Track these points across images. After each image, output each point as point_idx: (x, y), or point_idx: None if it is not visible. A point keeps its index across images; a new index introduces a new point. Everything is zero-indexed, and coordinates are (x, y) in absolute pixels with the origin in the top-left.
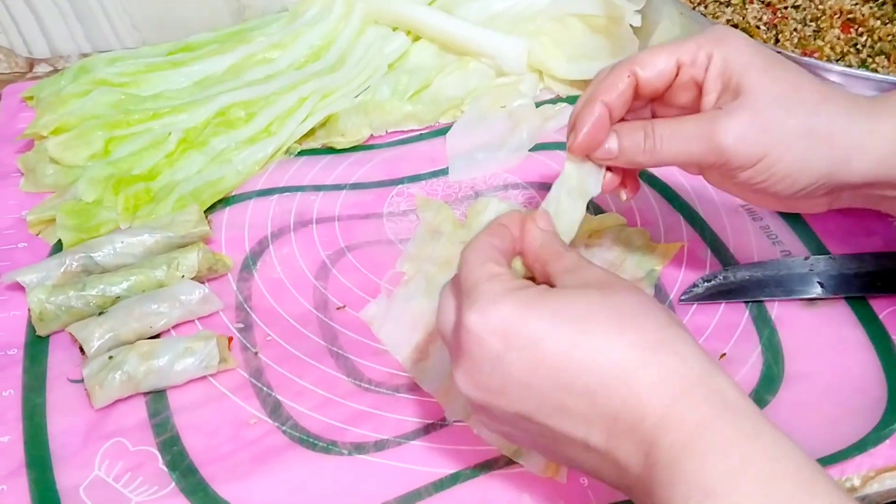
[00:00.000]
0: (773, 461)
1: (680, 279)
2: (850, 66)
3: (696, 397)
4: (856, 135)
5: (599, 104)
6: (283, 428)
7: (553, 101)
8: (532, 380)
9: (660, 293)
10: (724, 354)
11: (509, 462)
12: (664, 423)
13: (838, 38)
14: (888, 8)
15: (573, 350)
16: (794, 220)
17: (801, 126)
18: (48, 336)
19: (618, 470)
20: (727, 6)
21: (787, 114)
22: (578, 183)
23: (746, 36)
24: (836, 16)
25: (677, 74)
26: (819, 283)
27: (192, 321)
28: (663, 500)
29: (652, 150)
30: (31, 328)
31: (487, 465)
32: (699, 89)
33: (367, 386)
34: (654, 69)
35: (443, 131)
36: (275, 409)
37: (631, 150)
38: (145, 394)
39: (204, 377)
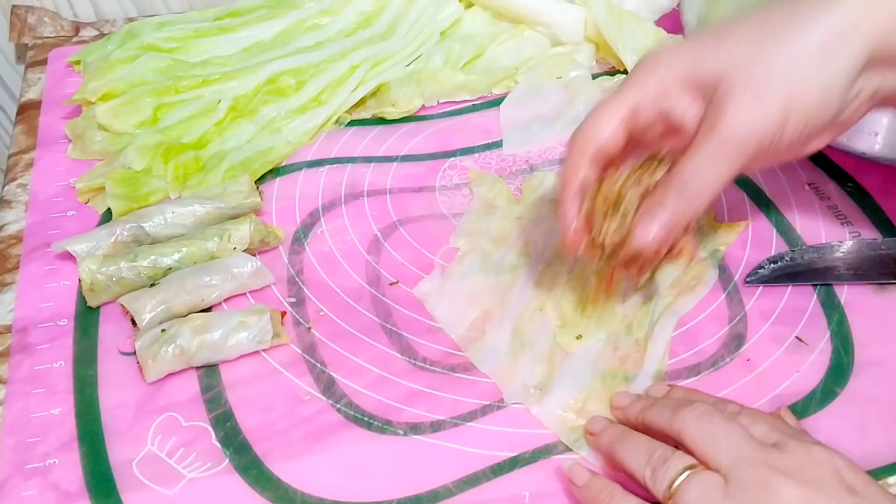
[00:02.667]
0: None
1: (745, 260)
2: None
3: None
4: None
5: (570, 202)
6: (338, 406)
7: (611, 73)
8: None
9: (724, 274)
10: (802, 340)
11: (567, 448)
12: None
13: None
14: None
15: None
16: (863, 200)
17: (787, 60)
18: (98, 307)
19: None
20: None
21: (767, 64)
22: None
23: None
24: None
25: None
26: (890, 267)
27: (244, 294)
28: None
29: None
30: (80, 298)
31: (546, 450)
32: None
33: (421, 365)
34: (605, 141)
35: (496, 102)
36: (329, 386)
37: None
38: (197, 368)
39: (256, 352)
